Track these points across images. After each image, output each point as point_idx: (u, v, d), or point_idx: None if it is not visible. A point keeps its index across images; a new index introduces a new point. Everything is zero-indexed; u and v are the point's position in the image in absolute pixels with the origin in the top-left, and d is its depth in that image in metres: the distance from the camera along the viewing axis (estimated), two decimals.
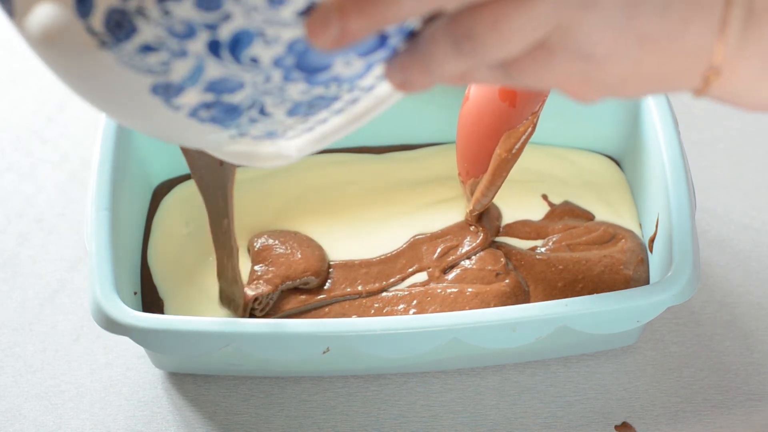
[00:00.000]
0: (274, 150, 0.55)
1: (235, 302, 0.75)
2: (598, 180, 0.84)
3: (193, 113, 0.49)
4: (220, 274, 0.74)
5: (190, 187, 0.84)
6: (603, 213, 0.82)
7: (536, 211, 0.83)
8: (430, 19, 0.48)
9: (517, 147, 0.74)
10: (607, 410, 0.76)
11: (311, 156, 0.86)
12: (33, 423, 0.77)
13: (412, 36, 0.48)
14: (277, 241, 0.80)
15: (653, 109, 0.80)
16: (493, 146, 0.75)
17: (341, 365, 0.76)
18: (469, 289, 0.77)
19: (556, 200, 0.83)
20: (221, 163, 0.67)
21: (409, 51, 0.48)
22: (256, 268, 0.79)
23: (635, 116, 0.82)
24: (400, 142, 0.87)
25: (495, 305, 0.76)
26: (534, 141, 0.85)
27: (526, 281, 0.78)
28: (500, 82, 0.48)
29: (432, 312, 0.76)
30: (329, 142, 0.55)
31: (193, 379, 0.78)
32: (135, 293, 0.78)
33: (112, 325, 0.70)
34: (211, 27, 0.45)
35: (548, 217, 0.82)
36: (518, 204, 0.83)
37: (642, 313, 0.71)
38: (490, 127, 0.75)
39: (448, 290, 0.77)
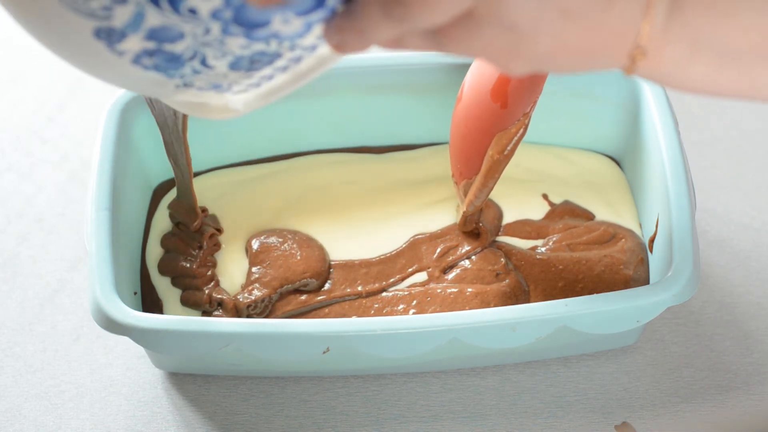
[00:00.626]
0: (221, 103, 0.56)
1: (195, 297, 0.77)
2: (598, 180, 0.84)
3: (136, 60, 0.50)
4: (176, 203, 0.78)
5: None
6: (603, 213, 0.82)
7: (536, 211, 0.83)
8: None
9: (509, 148, 0.74)
10: (607, 410, 0.76)
11: (311, 156, 0.86)
12: (33, 423, 0.77)
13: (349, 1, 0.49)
14: (275, 242, 0.80)
15: (653, 109, 0.80)
16: (485, 147, 0.75)
17: (341, 365, 0.76)
18: (469, 289, 0.77)
19: (557, 200, 0.83)
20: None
21: (346, 13, 0.49)
22: (254, 269, 0.79)
23: (635, 116, 0.82)
24: (400, 142, 0.87)
25: (495, 305, 0.76)
26: (534, 141, 0.85)
27: (526, 281, 0.78)
28: (432, 49, 0.49)
29: (432, 312, 0.76)
30: (275, 98, 0.56)
31: (193, 379, 0.78)
32: (135, 293, 0.78)
33: (112, 325, 0.70)
34: None
35: (548, 216, 0.82)
36: (518, 203, 0.83)
37: (642, 313, 0.71)
38: (482, 129, 0.75)
39: (448, 290, 0.77)
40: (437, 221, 0.82)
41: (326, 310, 0.78)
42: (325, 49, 0.53)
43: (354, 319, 0.72)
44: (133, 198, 0.81)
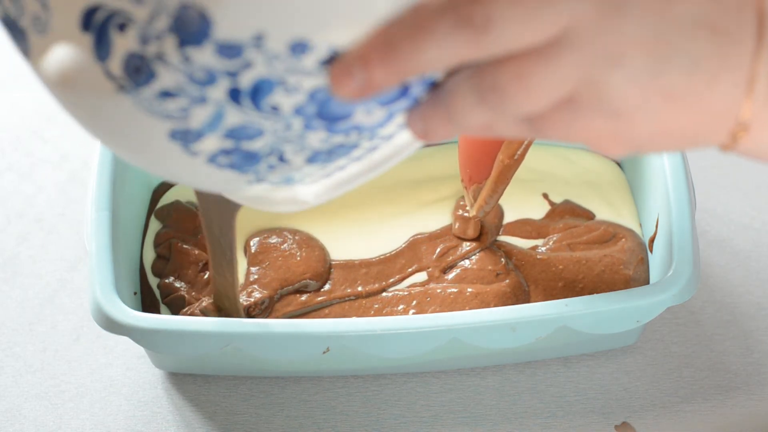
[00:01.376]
0: (290, 195, 0.54)
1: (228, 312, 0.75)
2: (598, 180, 0.84)
3: (212, 159, 0.48)
4: (218, 298, 0.74)
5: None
6: (603, 212, 0.82)
7: (537, 210, 0.83)
8: (453, 70, 0.47)
9: (519, 153, 0.74)
10: (607, 410, 0.76)
11: None
12: (33, 423, 0.77)
13: (434, 86, 0.47)
14: (275, 243, 0.80)
15: None
16: (495, 152, 0.75)
17: (341, 365, 0.76)
18: (469, 290, 0.77)
19: (557, 199, 0.83)
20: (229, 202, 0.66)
21: (432, 101, 0.47)
22: (253, 270, 0.79)
23: None
24: None
25: (495, 305, 0.76)
26: (535, 141, 0.85)
27: (527, 281, 0.78)
28: (526, 135, 0.48)
29: (432, 312, 0.76)
30: (346, 190, 0.54)
31: (193, 379, 0.78)
32: (135, 293, 0.78)
33: (112, 325, 0.70)
34: (232, 74, 0.44)
35: (549, 215, 0.82)
36: (519, 202, 0.83)
37: (642, 313, 0.71)
38: None
39: (448, 290, 0.77)
40: (437, 221, 0.82)
41: (326, 311, 0.78)
42: (401, 137, 0.51)
43: (354, 319, 0.72)
44: (133, 198, 0.81)
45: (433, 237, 0.81)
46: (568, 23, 0.44)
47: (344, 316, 0.78)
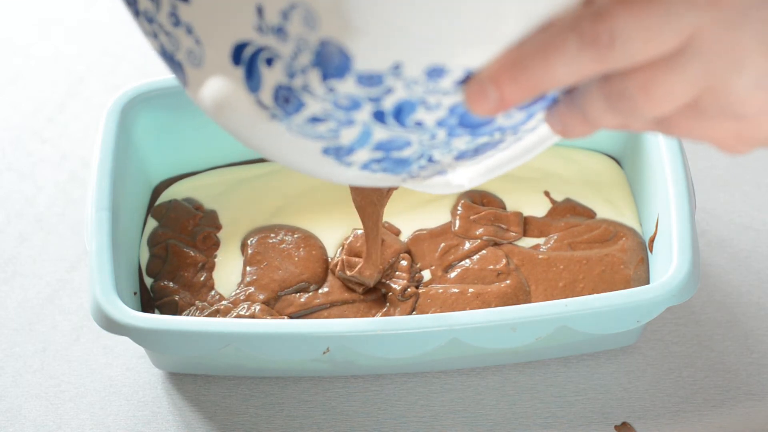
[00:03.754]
0: (444, 181, 0.57)
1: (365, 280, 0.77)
2: (599, 179, 0.84)
3: (365, 167, 0.51)
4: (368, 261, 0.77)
5: (185, 184, 0.84)
6: (604, 210, 0.83)
7: (538, 207, 0.83)
8: None
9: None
10: (607, 410, 0.76)
11: None
12: (33, 423, 0.77)
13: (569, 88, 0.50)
14: (273, 242, 0.80)
15: None
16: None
17: (341, 365, 0.76)
18: (471, 290, 0.77)
19: (558, 198, 0.83)
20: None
21: (567, 103, 0.49)
22: (249, 269, 0.79)
23: None
24: None
25: (496, 306, 0.76)
26: None
27: (528, 281, 0.78)
28: (658, 131, 0.50)
29: (433, 313, 0.76)
30: (499, 174, 0.57)
31: (193, 379, 0.78)
32: (135, 293, 0.78)
33: (112, 325, 0.70)
34: (375, 100, 0.47)
35: (550, 214, 0.83)
36: (520, 200, 0.83)
37: (642, 313, 0.71)
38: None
39: (449, 291, 0.77)
40: (436, 219, 0.82)
41: (325, 314, 0.78)
42: (546, 128, 0.53)
43: (354, 319, 0.72)
44: (133, 198, 0.81)
45: (434, 234, 0.81)
46: (690, 34, 0.46)
47: (344, 316, 0.78)
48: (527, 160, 0.57)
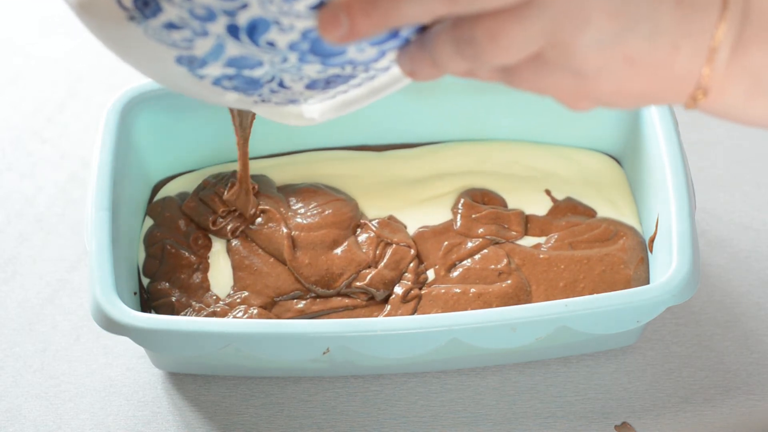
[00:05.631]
0: (297, 112, 0.58)
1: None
2: (599, 178, 0.84)
3: (217, 82, 0.52)
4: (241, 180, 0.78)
5: (181, 180, 0.84)
6: (605, 210, 0.83)
7: (539, 206, 0.83)
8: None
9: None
10: (607, 410, 0.76)
11: (313, 152, 0.86)
12: (33, 423, 0.77)
13: (423, 28, 0.51)
14: (256, 248, 0.80)
15: (653, 109, 0.80)
16: None
17: (341, 365, 0.76)
18: (472, 290, 0.77)
19: (559, 197, 0.83)
20: None
21: (418, 44, 0.50)
22: (240, 274, 0.78)
23: (636, 116, 0.82)
24: (400, 141, 0.87)
25: (497, 306, 0.76)
26: (536, 140, 0.86)
27: (529, 280, 0.78)
28: (502, 82, 0.51)
29: (434, 313, 0.77)
30: (350, 111, 0.58)
31: (193, 379, 0.78)
32: (135, 293, 0.78)
33: (112, 325, 0.70)
34: (230, 13, 0.48)
35: (551, 213, 0.83)
36: (522, 198, 0.83)
37: (642, 313, 0.71)
38: None
39: (452, 291, 0.77)
40: (437, 216, 0.82)
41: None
42: (397, 69, 0.54)
43: (354, 319, 0.72)
44: (133, 198, 0.81)
45: (437, 232, 0.81)
46: None
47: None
48: (378, 99, 0.57)
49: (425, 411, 0.77)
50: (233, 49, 0.50)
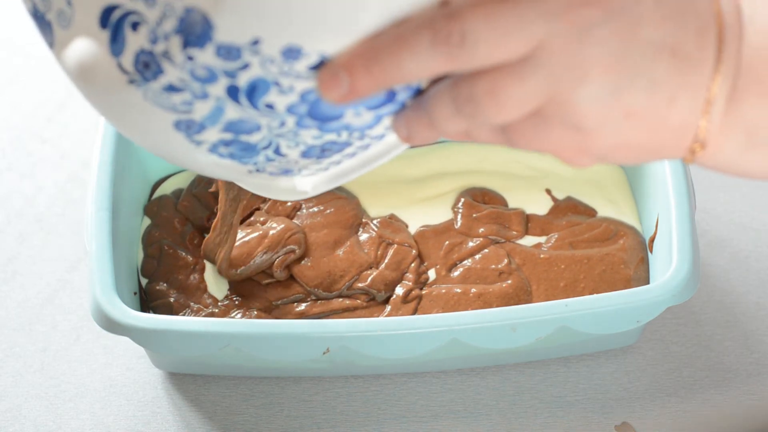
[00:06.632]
0: (290, 185, 0.58)
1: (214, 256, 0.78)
2: (599, 178, 0.84)
3: (213, 149, 0.52)
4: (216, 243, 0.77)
5: (178, 177, 0.84)
6: (605, 209, 0.83)
7: (540, 205, 0.83)
8: (436, 78, 0.50)
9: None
10: (607, 410, 0.76)
11: None
12: (33, 423, 0.77)
13: (419, 93, 0.51)
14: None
15: None
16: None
17: (341, 365, 0.76)
18: (473, 290, 0.77)
19: (559, 196, 0.83)
20: None
21: (415, 107, 0.51)
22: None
23: None
24: None
25: (498, 306, 0.76)
26: None
27: (529, 280, 0.78)
28: (501, 143, 0.51)
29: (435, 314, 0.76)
30: (343, 182, 0.58)
31: (193, 379, 0.78)
32: (135, 293, 0.78)
33: (112, 325, 0.70)
34: (231, 74, 0.48)
35: (552, 212, 0.83)
36: (522, 198, 0.83)
37: (642, 313, 0.71)
38: None
39: (452, 291, 0.77)
40: (437, 215, 0.82)
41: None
42: (393, 137, 0.54)
43: (354, 319, 0.72)
44: (133, 198, 0.81)
45: (438, 232, 0.81)
46: (538, 43, 0.47)
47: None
48: (370, 170, 0.57)
49: (425, 411, 0.77)
50: (232, 112, 0.50)
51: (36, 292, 0.83)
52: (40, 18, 0.52)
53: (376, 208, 0.83)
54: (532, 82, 0.48)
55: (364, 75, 0.48)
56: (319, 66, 0.48)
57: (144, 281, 0.79)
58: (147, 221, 0.82)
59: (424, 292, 0.78)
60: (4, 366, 0.79)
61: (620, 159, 0.51)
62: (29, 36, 1.00)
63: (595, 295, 0.72)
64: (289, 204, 0.81)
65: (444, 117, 0.50)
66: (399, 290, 0.78)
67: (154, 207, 0.82)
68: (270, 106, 0.49)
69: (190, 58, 0.47)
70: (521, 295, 0.77)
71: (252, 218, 0.81)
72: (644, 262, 0.79)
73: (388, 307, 0.77)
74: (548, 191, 0.84)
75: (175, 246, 0.80)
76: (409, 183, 0.84)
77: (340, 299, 0.78)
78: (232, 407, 0.77)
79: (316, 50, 0.47)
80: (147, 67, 0.48)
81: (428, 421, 0.76)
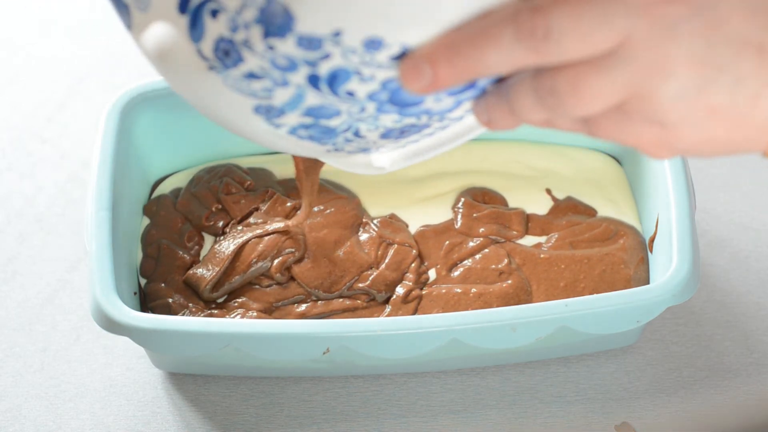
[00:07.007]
0: (366, 161, 0.58)
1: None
2: (599, 177, 0.85)
3: (293, 131, 0.52)
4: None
5: (178, 176, 0.84)
6: (605, 209, 0.83)
7: (540, 205, 0.83)
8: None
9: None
10: (607, 410, 0.76)
11: None
12: (33, 423, 0.77)
13: (500, 79, 0.51)
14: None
15: None
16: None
17: (341, 365, 0.76)
18: (473, 290, 0.77)
19: (559, 196, 0.83)
20: None
21: (496, 94, 0.50)
22: (236, 278, 0.78)
23: None
24: None
25: (498, 306, 0.76)
26: (536, 139, 0.86)
27: (529, 280, 0.78)
28: (582, 132, 0.51)
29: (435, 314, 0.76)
30: (420, 160, 0.58)
31: (193, 379, 0.78)
32: (135, 293, 0.78)
33: (112, 325, 0.70)
34: (311, 63, 0.48)
35: (552, 212, 0.83)
36: (522, 197, 0.83)
37: (642, 313, 0.71)
38: None
39: (453, 291, 0.77)
40: (437, 215, 0.82)
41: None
42: (472, 119, 0.54)
43: (354, 319, 0.72)
44: (133, 198, 0.81)
45: (438, 231, 0.81)
46: (623, 39, 0.47)
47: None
48: (449, 149, 0.57)
49: (425, 411, 0.77)
50: (312, 98, 0.49)
51: (36, 292, 0.83)
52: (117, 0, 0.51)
53: (376, 208, 0.83)
54: (616, 77, 0.47)
55: (447, 67, 0.47)
56: (401, 56, 0.48)
57: (143, 281, 0.79)
58: (147, 221, 0.82)
59: (424, 292, 0.78)
60: (4, 366, 0.79)
61: (701, 152, 0.51)
62: (29, 36, 1.00)
63: (595, 295, 0.72)
64: (288, 204, 0.81)
65: (525, 107, 0.49)
66: (399, 290, 0.78)
67: (152, 206, 0.82)
68: (350, 94, 0.49)
69: (271, 48, 0.47)
70: (521, 295, 0.77)
71: (250, 219, 0.81)
72: (644, 262, 0.79)
73: (389, 308, 0.77)
74: (548, 191, 0.84)
75: (173, 245, 0.80)
76: (409, 183, 0.84)
77: (341, 299, 0.78)
78: (232, 407, 0.77)
79: (398, 41, 0.47)
80: (227, 54, 0.48)
81: (428, 421, 0.76)
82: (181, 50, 0.49)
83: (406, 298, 0.77)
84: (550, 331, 0.71)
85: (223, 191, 0.81)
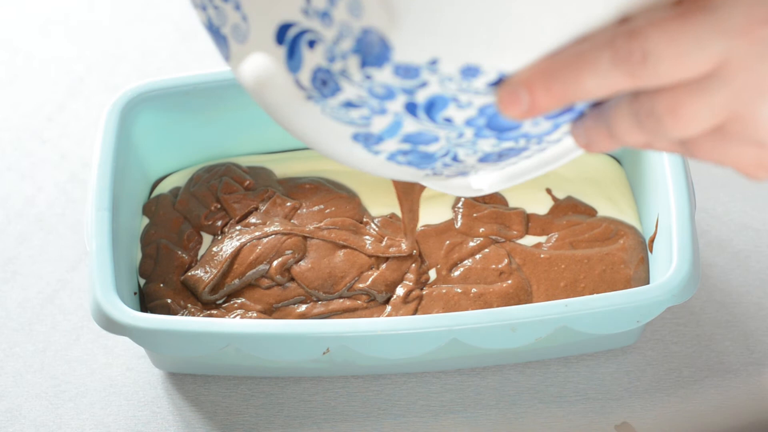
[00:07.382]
0: (464, 183, 0.59)
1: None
2: (599, 177, 0.85)
3: (391, 157, 0.52)
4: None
5: (176, 176, 0.84)
6: (605, 208, 0.83)
7: (540, 205, 0.83)
8: None
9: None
10: (607, 410, 0.76)
11: (310, 150, 0.86)
12: (33, 423, 0.77)
13: (597, 102, 0.51)
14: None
15: None
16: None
17: (341, 365, 0.76)
18: (473, 290, 0.77)
19: (560, 195, 0.83)
20: None
21: (594, 117, 0.50)
22: (237, 281, 0.78)
23: None
24: None
25: (498, 306, 0.76)
26: None
27: (529, 280, 0.78)
28: (680, 154, 0.51)
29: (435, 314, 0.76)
30: (518, 182, 0.58)
31: (193, 379, 0.78)
32: (135, 293, 0.78)
33: (112, 325, 0.70)
34: (409, 92, 0.48)
35: (552, 212, 0.83)
36: (522, 197, 0.83)
37: (642, 313, 0.71)
38: None
39: (453, 291, 0.77)
40: (437, 215, 0.82)
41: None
42: (570, 141, 0.54)
43: (354, 319, 0.72)
44: (133, 198, 0.81)
45: (439, 231, 0.81)
46: (720, 61, 0.47)
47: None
48: (547, 171, 0.57)
49: (425, 411, 0.77)
50: (410, 125, 0.50)
51: (36, 292, 0.83)
52: (215, 31, 0.52)
53: (376, 208, 0.83)
54: (715, 99, 0.47)
55: (544, 93, 0.47)
56: (498, 82, 0.48)
57: (142, 281, 0.79)
58: (147, 221, 0.82)
59: (424, 292, 0.78)
60: (4, 366, 0.79)
61: None
62: (29, 36, 1.00)
63: (595, 295, 0.72)
64: (288, 204, 0.81)
65: (624, 130, 0.49)
66: (400, 290, 0.78)
67: (151, 206, 0.82)
68: (448, 120, 0.49)
69: (368, 77, 0.47)
70: (521, 295, 0.77)
71: (250, 219, 0.81)
72: (644, 261, 0.79)
73: (389, 308, 0.77)
74: (548, 191, 0.84)
75: (172, 245, 0.79)
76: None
77: (341, 300, 0.78)
78: (232, 407, 0.77)
79: (495, 68, 0.47)
80: (325, 84, 0.48)
81: (428, 421, 0.76)
82: (279, 81, 0.49)
83: (406, 299, 0.77)
84: (549, 331, 0.71)
85: (222, 191, 0.81)
